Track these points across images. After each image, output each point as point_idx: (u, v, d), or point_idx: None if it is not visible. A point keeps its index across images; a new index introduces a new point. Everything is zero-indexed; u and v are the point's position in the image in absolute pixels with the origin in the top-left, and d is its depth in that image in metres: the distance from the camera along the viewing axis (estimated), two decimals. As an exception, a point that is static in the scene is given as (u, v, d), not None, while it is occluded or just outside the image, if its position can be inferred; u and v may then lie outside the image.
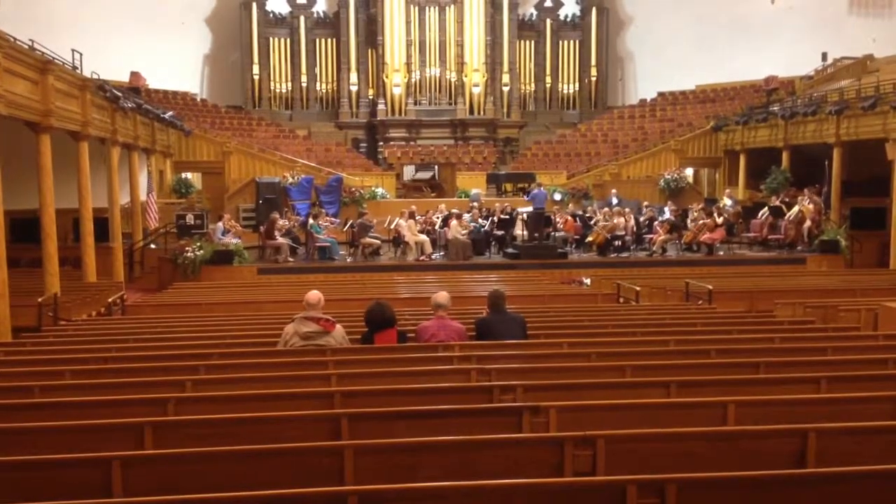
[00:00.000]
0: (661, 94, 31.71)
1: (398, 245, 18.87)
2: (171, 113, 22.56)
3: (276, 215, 18.83)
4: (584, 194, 24.77)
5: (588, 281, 16.47)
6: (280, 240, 18.18)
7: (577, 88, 33.11)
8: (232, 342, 8.06)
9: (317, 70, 31.68)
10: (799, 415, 4.74)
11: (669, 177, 24.50)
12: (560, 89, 33.18)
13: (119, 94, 16.88)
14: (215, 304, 12.39)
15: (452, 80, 30.79)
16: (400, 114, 30.37)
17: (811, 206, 18.74)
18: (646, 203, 21.78)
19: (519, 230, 19.48)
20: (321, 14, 32.00)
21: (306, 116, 31.63)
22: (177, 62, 29.47)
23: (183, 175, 24.97)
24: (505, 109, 31.62)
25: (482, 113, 30.75)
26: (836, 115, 19.51)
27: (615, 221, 18.81)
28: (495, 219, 19.52)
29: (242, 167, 25.01)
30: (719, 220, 18.63)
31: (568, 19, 33.10)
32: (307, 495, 3.55)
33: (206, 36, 31.86)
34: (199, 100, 30.43)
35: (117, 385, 5.89)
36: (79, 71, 15.39)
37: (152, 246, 19.33)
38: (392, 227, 18.87)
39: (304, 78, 31.51)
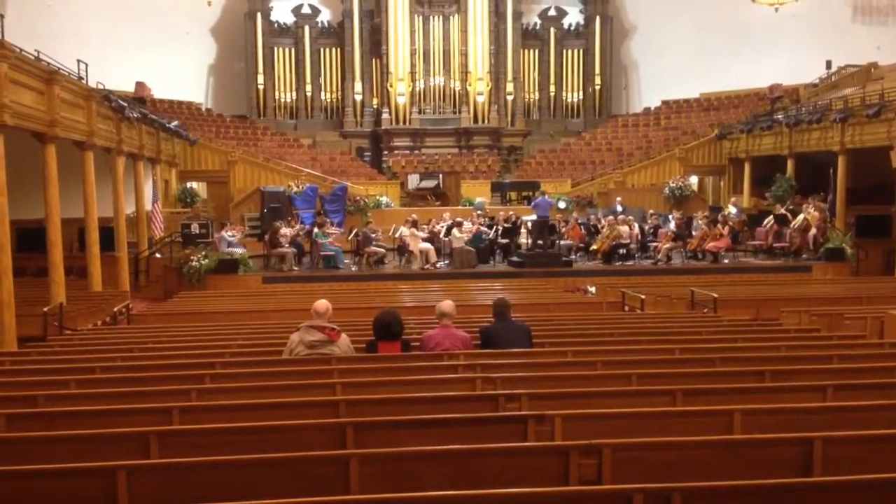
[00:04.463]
0: (665, 103, 31.71)
1: (403, 254, 18.88)
2: (176, 122, 22.62)
3: (279, 224, 18.86)
4: (588, 202, 24.77)
5: (593, 289, 16.44)
6: (285, 249, 18.20)
7: (581, 97, 33.12)
8: (237, 351, 8.08)
9: (321, 79, 31.76)
10: (805, 423, 4.72)
11: (674, 185, 24.49)
12: (564, 98, 33.20)
13: (124, 104, 16.94)
14: (220, 313, 12.40)
15: (456, 88, 30.83)
16: (404, 123, 30.40)
17: (816, 214, 18.70)
18: (651, 211, 21.78)
19: (524, 238, 19.49)
20: (325, 24, 32.11)
21: (311, 125, 31.69)
22: (182, 72, 29.59)
23: (188, 184, 25.04)
24: (509, 118, 31.63)
25: (486, 121, 30.76)
26: (840, 123, 19.50)
27: (620, 229, 18.79)
28: (499, 227, 19.54)
29: (247, 176, 25.06)
30: (724, 231, 18.60)
31: (572, 28, 33.13)
32: (312, 504, 3.56)
33: (210, 46, 31.99)
34: (204, 109, 30.52)
35: (122, 394, 5.90)
36: (84, 81, 15.45)
37: (157, 255, 19.36)
38: (396, 235, 18.88)
39: (308, 87, 31.60)
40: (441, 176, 25.92)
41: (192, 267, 16.83)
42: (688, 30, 30.65)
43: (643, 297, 12.72)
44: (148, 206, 19.25)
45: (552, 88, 32.98)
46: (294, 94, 31.69)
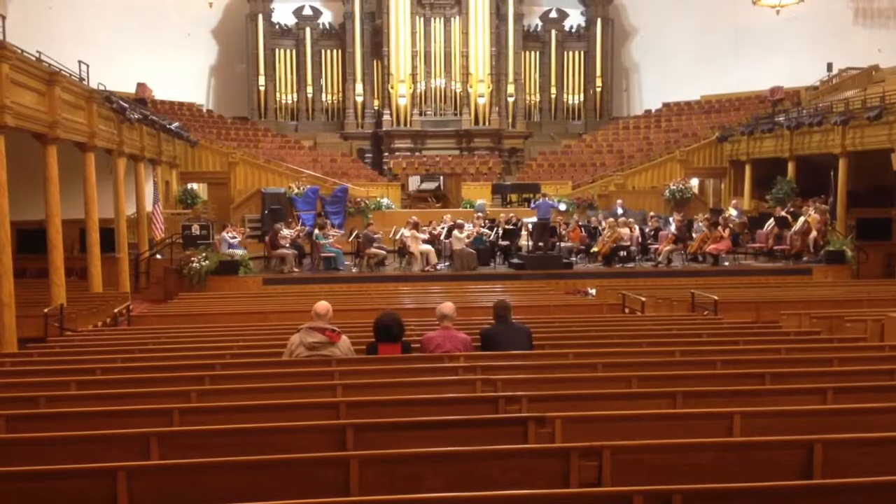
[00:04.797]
0: (665, 105, 31.74)
1: (403, 255, 18.88)
2: (177, 124, 22.63)
3: (279, 225, 18.86)
4: (589, 204, 24.76)
5: (593, 291, 16.45)
6: (285, 250, 18.20)
7: (582, 99, 33.14)
8: (237, 352, 8.07)
9: (322, 81, 31.77)
10: (805, 426, 4.72)
11: (675, 187, 24.49)
12: (565, 100, 33.21)
13: (125, 105, 16.95)
14: (221, 315, 12.40)
15: (457, 90, 30.86)
16: (405, 124, 30.42)
17: (817, 217, 18.69)
18: (651, 213, 21.77)
19: (524, 240, 19.46)
20: (327, 25, 32.13)
21: (312, 127, 31.71)
22: (183, 73, 29.62)
23: (189, 186, 25.06)
24: (510, 120, 31.64)
25: (487, 123, 30.78)
26: (841, 126, 19.51)
27: (620, 232, 18.78)
28: (499, 229, 19.54)
29: (248, 178, 25.07)
30: (724, 233, 18.59)
31: (573, 30, 33.15)
32: (312, 506, 3.56)
33: (212, 47, 32.02)
34: (205, 111, 30.55)
35: (123, 395, 5.90)
36: (85, 82, 15.46)
37: (158, 256, 19.36)
38: (397, 237, 18.88)
39: (309, 89, 31.62)
40: (442, 178, 25.93)
41: (192, 268, 16.83)
42: (689, 32, 30.68)
43: (643, 299, 12.72)
44: (148, 207, 19.25)
45: (553, 90, 33.00)
46: (295, 95, 31.71)
